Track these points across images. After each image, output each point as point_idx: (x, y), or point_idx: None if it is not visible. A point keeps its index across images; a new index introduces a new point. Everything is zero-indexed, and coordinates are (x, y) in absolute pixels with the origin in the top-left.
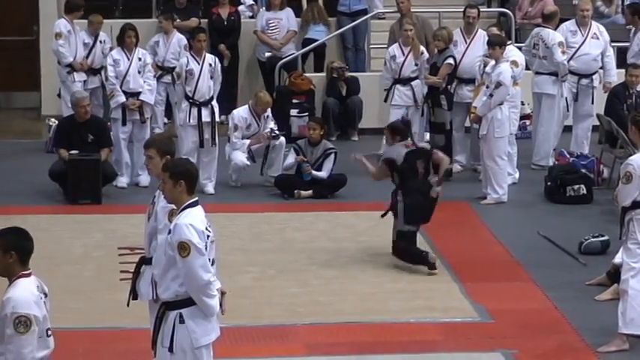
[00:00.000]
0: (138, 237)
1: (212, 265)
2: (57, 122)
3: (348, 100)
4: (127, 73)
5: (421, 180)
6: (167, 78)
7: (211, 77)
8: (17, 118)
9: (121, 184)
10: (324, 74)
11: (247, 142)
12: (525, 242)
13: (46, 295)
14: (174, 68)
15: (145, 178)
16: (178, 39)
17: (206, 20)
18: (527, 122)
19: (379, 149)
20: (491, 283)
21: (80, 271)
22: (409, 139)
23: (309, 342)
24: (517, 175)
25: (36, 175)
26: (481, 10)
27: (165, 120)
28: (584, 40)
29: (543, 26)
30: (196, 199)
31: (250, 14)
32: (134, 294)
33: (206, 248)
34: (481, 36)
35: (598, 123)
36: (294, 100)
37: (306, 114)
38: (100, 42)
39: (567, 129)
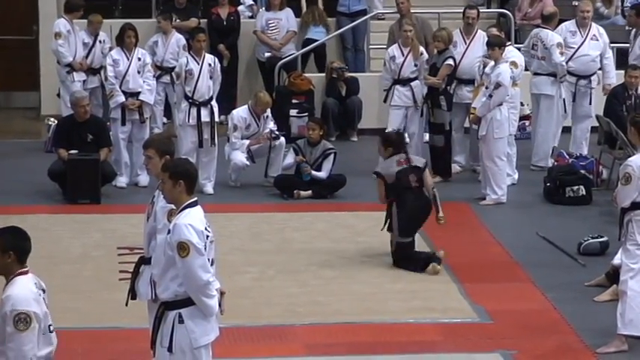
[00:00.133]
0: (137, 237)
1: (211, 265)
2: (56, 122)
3: (348, 101)
4: (126, 73)
5: (416, 193)
6: (166, 78)
7: (211, 77)
8: (17, 118)
9: (120, 183)
10: (323, 74)
11: (247, 142)
12: (524, 243)
13: (44, 291)
14: (172, 68)
15: (144, 178)
16: (177, 39)
17: (206, 20)
18: (527, 123)
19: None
20: (490, 283)
21: (79, 270)
22: (402, 152)
23: (309, 342)
24: (516, 176)
25: (35, 174)
26: (481, 10)
27: (165, 120)
28: (584, 41)
29: (542, 27)
30: (196, 199)
31: (250, 14)
32: (133, 294)
33: (205, 248)
34: (480, 37)
35: (597, 124)
36: (294, 101)
37: (306, 114)
38: (100, 42)
39: (566, 130)
